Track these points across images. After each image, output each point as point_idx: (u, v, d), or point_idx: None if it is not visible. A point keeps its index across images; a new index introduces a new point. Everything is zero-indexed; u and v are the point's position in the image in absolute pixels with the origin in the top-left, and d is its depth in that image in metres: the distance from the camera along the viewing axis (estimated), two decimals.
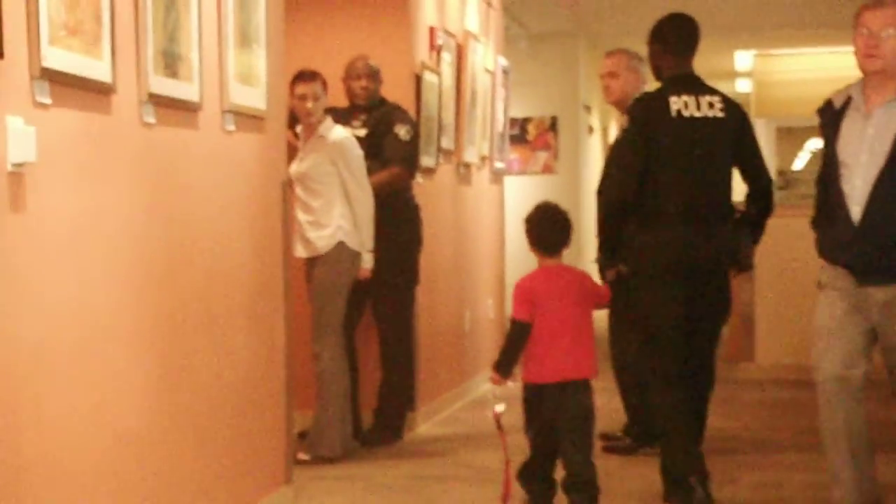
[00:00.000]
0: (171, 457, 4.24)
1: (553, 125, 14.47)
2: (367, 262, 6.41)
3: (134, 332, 3.98)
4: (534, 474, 5.12)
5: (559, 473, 5.08)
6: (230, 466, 4.74)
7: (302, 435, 6.41)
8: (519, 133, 14.31)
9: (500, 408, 5.07)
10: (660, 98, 5.35)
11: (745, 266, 5.57)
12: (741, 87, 18.45)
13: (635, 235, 5.35)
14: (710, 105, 5.33)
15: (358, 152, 6.38)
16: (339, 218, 6.30)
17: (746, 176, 5.54)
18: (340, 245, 6.28)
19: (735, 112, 5.40)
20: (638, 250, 5.35)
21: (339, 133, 6.34)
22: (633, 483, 5.83)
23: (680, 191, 5.26)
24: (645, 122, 5.30)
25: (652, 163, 5.25)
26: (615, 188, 5.57)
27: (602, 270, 5.81)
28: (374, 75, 6.82)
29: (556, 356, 4.90)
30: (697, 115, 5.29)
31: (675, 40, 5.48)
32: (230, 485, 4.74)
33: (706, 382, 5.61)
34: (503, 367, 5.02)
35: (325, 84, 6.34)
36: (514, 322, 4.96)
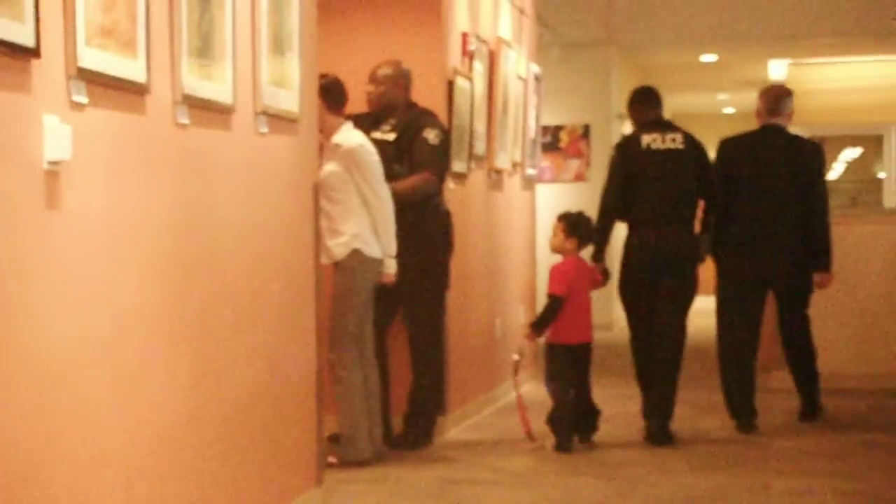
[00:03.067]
0: (202, 457, 4.27)
1: (585, 133, 14.46)
2: (390, 267, 6.42)
3: (166, 331, 4.00)
4: (560, 418, 6.76)
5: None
6: (260, 467, 4.77)
7: (332, 438, 6.43)
8: (551, 141, 14.32)
9: (515, 357, 7.21)
10: (636, 136, 7.28)
11: (700, 257, 7.28)
12: None
13: (628, 238, 7.24)
14: (673, 140, 7.20)
15: (373, 159, 6.32)
16: (356, 226, 6.27)
17: (701, 191, 7.25)
18: (355, 252, 6.25)
19: (692, 144, 7.23)
20: (625, 249, 7.25)
21: (354, 140, 6.28)
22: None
23: (650, 203, 7.12)
24: (625, 153, 7.27)
25: (631, 183, 7.16)
26: (604, 201, 7.32)
27: (594, 261, 7.26)
28: (385, 81, 6.80)
29: (580, 324, 6.83)
30: (662, 147, 7.17)
31: (642, 102, 7.44)
32: (260, 486, 4.77)
33: (677, 344, 7.17)
34: (538, 329, 6.89)
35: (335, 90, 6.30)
36: (552, 296, 6.79)
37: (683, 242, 7.12)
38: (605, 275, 7.20)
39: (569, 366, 6.77)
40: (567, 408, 6.76)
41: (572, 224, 6.89)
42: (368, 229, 6.31)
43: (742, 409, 7.44)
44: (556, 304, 6.75)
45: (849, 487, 5.84)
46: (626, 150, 7.27)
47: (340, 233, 6.24)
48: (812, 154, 7.56)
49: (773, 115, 7.55)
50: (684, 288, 7.14)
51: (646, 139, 7.19)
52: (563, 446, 6.73)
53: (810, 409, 7.76)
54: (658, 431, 7.01)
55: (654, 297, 7.10)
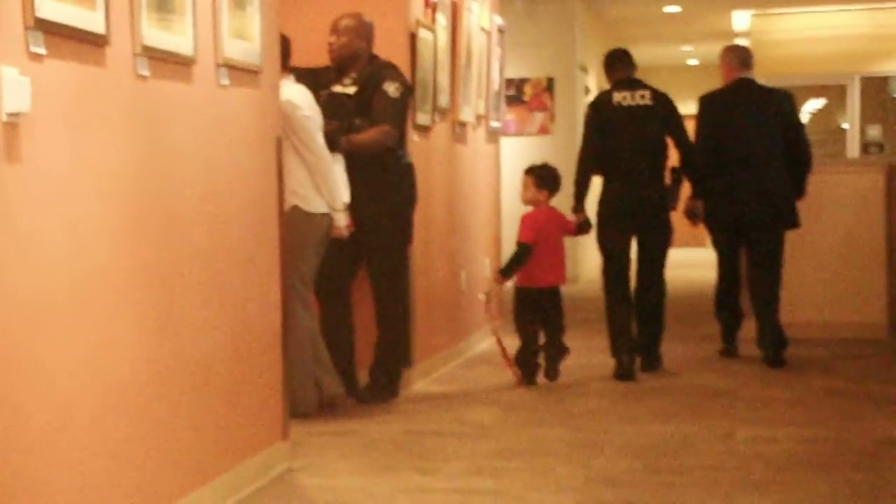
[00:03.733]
0: (168, 410, 4.26)
1: (549, 86, 14.44)
2: (340, 220, 6.39)
3: (129, 284, 3.98)
4: (525, 358, 7.37)
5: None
6: (226, 421, 4.76)
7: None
8: (515, 94, 14.29)
9: (481, 297, 7.86)
10: (608, 94, 7.81)
11: (672, 206, 7.75)
12: None
13: (604, 189, 7.77)
14: (642, 96, 7.70)
15: (302, 113, 6.20)
16: (293, 181, 6.21)
17: (676, 145, 7.78)
18: (294, 209, 6.19)
19: (661, 100, 7.73)
20: (600, 199, 7.74)
21: (285, 94, 6.09)
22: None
23: (623, 156, 7.64)
24: (598, 110, 7.76)
25: (605, 138, 7.67)
26: (583, 155, 7.80)
27: (574, 213, 7.71)
28: (347, 31, 6.72)
29: (549, 269, 7.32)
30: (632, 104, 7.68)
31: (615, 63, 7.93)
32: (226, 439, 4.76)
33: (657, 292, 7.83)
34: (506, 274, 7.36)
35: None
36: (520, 244, 7.25)
37: (654, 192, 7.68)
38: (587, 225, 7.69)
39: (536, 308, 7.32)
40: (532, 347, 7.35)
41: (541, 176, 7.38)
42: (308, 185, 6.27)
43: (731, 337, 8.47)
44: (523, 251, 7.25)
45: (811, 434, 5.89)
46: (599, 107, 7.79)
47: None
48: (788, 103, 8.11)
49: (745, 68, 8.14)
50: (658, 234, 7.75)
51: (617, 97, 7.74)
52: (528, 381, 7.34)
53: (776, 357, 7.99)
54: (651, 361, 7.86)
55: (629, 243, 7.73)
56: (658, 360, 7.94)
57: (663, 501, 4.72)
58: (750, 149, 7.94)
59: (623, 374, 7.52)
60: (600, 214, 7.74)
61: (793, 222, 8.13)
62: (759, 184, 7.95)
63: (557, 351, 7.38)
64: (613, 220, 7.68)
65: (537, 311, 7.33)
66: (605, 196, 7.74)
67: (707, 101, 8.18)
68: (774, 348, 7.97)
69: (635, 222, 7.66)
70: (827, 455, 5.48)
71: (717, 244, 8.39)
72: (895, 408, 6.52)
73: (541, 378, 7.40)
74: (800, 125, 8.22)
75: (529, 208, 7.41)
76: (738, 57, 8.18)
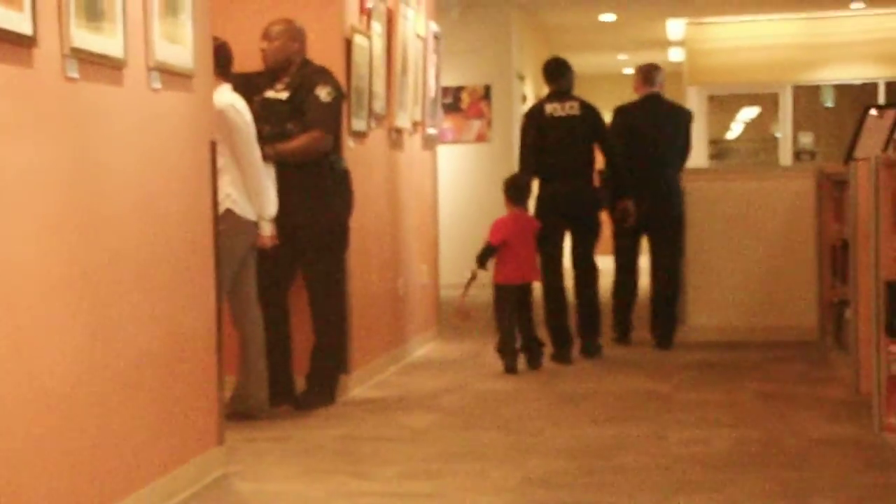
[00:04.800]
0: (99, 414, 4.24)
1: (487, 94, 14.49)
2: (266, 230, 6.40)
3: (60, 288, 3.96)
4: (504, 348, 8.05)
5: None
6: (160, 426, 4.74)
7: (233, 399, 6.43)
8: (453, 102, 14.33)
9: (469, 274, 8.13)
10: (540, 105, 8.73)
11: (601, 206, 8.68)
12: (673, 56, 18.56)
13: (539, 189, 8.61)
14: (571, 107, 8.57)
15: (242, 119, 6.22)
16: (228, 185, 6.21)
17: (601, 150, 8.65)
18: (227, 213, 6.18)
19: (588, 111, 8.61)
20: (537, 199, 8.59)
21: (223, 100, 6.12)
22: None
23: (556, 161, 8.48)
24: (532, 121, 8.61)
25: (540, 145, 8.49)
26: (522, 160, 8.63)
27: None
28: (279, 36, 6.71)
29: (522, 267, 8.10)
30: (562, 114, 8.54)
31: (549, 75, 8.86)
32: (161, 444, 4.74)
33: (592, 275, 8.66)
34: (478, 263, 8.10)
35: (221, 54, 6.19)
36: (488, 243, 8.07)
37: (584, 192, 8.56)
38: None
39: (510, 302, 8.06)
40: (510, 337, 8.06)
41: (510, 192, 8.22)
42: (242, 190, 6.28)
43: (625, 327, 9.34)
44: (487, 250, 8.09)
45: (743, 435, 5.95)
46: (533, 117, 8.66)
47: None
48: (687, 118, 9.40)
49: (649, 85, 9.21)
50: (590, 228, 8.61)
51: (548, 108, 8.61)
52: (508, 368, 8.02)
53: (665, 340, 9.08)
54: (590, 347, 8.58)
55: (563, 236, 8.60)
56: (598, 347, 8.64)
57: (597, 501, 4.76)
58: (653, 153, 8.95)
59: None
60: (537, 211, 8.54)
61: (681, 218, 9.23)
62: (657, 185, 8.98)
63: (535, 344, 8.15)
64: (549, 216, 8.44)
65: (514, 307, 8.05)
66: (541, 195, 8.61)
67: (618, 112, 9.28)
68: (668, 331, 9.04)
69: (568, 218, 8.53)
70: (758, 455, 5.54)
71: (622, 241, 9.21)
72: (825, 408, 6.60)
73: (521, 365, 8.11)
74: (689, 137, 9.34)
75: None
76: (643, 74, 9.26)
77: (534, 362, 8.14)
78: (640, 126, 9.04)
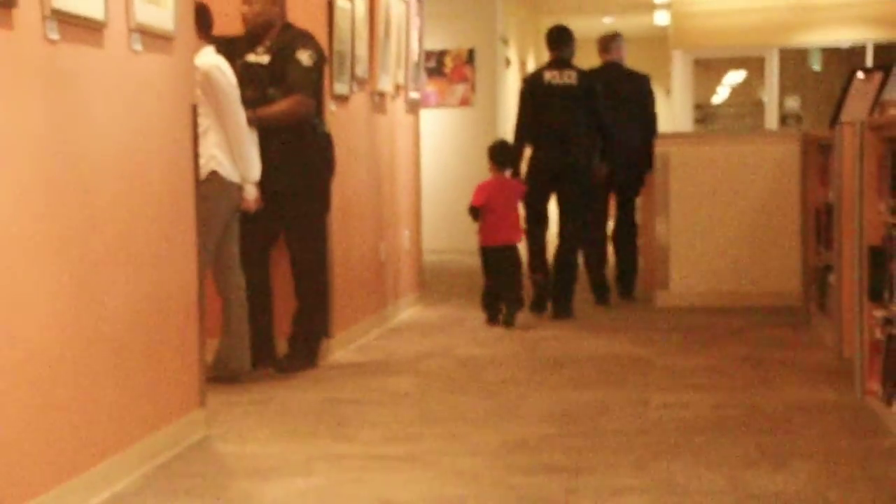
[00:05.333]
0: (81, 378, 4.23)
1: (470, 58, 14.46)
2: (250, 192, 6.40)
3: (40, 251, 3.95)
4: (488, 301, 8.57)
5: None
6: (142, 388, 4.74)
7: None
8: (436, 66, 14.29)
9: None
10: (539, 73, 9.06)
11: (596, 173, 9.09)
12: (659, 20, 18.50)
13: (532, 154, 8.99)
14: (568, 76, 8.89)
15: (226, 80, 6.22)
16: (213, 147, 6.20)
17: (593, 119, 8.95)
18: (213, 174, 6.19)
19: (584, 80, 8.94)
20: (530, 162, 8.98)
21: (207, 61, 6.14)
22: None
23: (550, 127, 8.81)
24: (531, 87, 8.98)
25: (536, 111, 8.84)
26: (518, 126, 9.00)
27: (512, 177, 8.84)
28: (259, 0, 6.70)
29: (503, 229, 8.47)
30: (560, 82, 8.88)
31: (551, 42, 9.11)
32: (142, 407, 4.74)
33: (576, 239, 9.00)
34: (472, 217, 8.53)
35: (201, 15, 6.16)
36: (472, 206, 8.44)
37: (577, 159, 8.84)
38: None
39: (493, 262, 8.49)
40: (492, 293, 8.54)
41: (497, 158, 8.55)
42: (227, 152, 6.26)
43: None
44: (472, 212, 8.48)
45: (724, 400, 5.96)
46: (532, 84, 9.03)
47: (201, 154, 6.13)
48: (644, 85, 9.87)
49: (607, 53, 9.87)
50: (577, 194, 8.90)
51: (547, 76, 8.95)
52: (490, 320, 8.53)
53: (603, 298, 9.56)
54: (561, 309, 8.82)
55: (548, 200, 8.93)
56: (568, 309, 8.86)
57: (576, 465, 4.77)
58: (613, 118, 9.21)
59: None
60: (528, 175, 8.92)
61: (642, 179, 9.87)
62: (626, 147, 9.48)
63: (513, 303, 8.45)
64: (538, 181, 8.83)
65: (496, 266, 8.47)
66: (532, 160, 8.97)
67: None
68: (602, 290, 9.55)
69: (557, 183, 8.84)
70: (739, 419, 5.56)
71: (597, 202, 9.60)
72: (807, 373, 6.62)
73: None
74: (654, 102, 9.88)
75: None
76: (601, 44, 9.92)
77: (509, 318, 8.43)
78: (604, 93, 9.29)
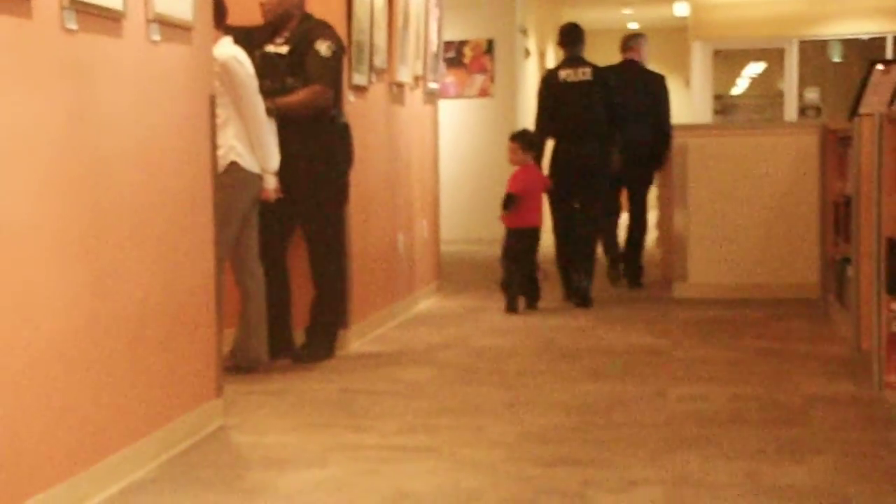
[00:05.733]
0: (100, 367, 4.25)
1: (489, 48, 14.44)
2: (269, 182, 6.40)
3: (59, 241, 3.96)
4: (507, 286, 8.86)
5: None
6: (159, 378, 4.75)
7: (233, 353, 6.45)
8: (455, 56, 14.28)
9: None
10: (555, 71, 9.45)
11: (613, 167, 9.41)
12: (679, 11, 18.44)
13: (553, 149, 9.35)
14: (584, 73, 9.23)
15: (245, 71, 6.22)
16: (233, 138, 6.21)
17: (608, 113, 9.22)
18: (232, 165, 6.21)
19: (599, 76, 9.25)
20: (552, 158, 9.32)
21: (225, 52, 6.15)
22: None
23: (567, 123, 9.19)
24: (548, 84, 9.35)
25: (555, 108, 9.20)
26: (538, 122, 9.36)
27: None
28: None
29: (533, 212, 8.91)
30: (575, 79, 9.23)
31: (563, 41, 9.49)
32: (159, 396, 4.75)
33: (594, 230, 9.42)
34: (506, 209, 8.86)
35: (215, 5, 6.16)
36: (508, 193, 8.83)
37: (595, 153, 9.16)
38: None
39: (519, 244, 8.83)
40: (513, 278, 8.83)
41: (528, 141, 8.96)
42: (247, 143, 6.27)
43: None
44: (510, 199, 8.82)
45: (742, 392, 5.95)
46: (549, 82, 9.38)
47: (219, 145, 6.14)
48: (658, 83, 10.22)
49: (627, 51, 10.32)
50: (596, 187, 9.26)
51: (562, 73, 9.31)
52: (510, 307, 8.79)
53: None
54: (583, 298, 9.07)
55: (571, 193, 9.21)
56: (588, 299, 9.09)
57: (593, 457, 4.77)
58: (622, 114, 9.44)
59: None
60: (551, 169, 9.24)
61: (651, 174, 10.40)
62: (637, 142, 9.88)
63: (534, 286, 8.92)
64: (561, 176, 9.14)
65: (524, 248, 8.84)
66: (555, 154, 9.29)
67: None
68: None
69: (578, 176, 9.14)
70: (756, 412, 5.55)
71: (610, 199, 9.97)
72: (825, 366, 6.60)
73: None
74: (667, 101, 10.22)
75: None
76: (623, 41, 10.39)
77: (532, 303, 8.90)
78: (620, 89, 9.56)
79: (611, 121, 9.27)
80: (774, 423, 5.31)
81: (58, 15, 3.93)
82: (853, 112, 7.50)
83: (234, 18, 6.55)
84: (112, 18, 4.32)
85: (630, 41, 10.39)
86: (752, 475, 4.46)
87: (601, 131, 9.22)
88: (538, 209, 9.00)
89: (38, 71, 3.84)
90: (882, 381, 5.79)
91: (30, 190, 3.79)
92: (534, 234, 8.93)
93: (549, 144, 9.34)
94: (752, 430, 5.16)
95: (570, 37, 9.44)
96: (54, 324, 3.94)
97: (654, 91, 10.17)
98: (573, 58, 9.37)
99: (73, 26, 4.02)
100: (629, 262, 10.22)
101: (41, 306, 3.85)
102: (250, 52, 6.46)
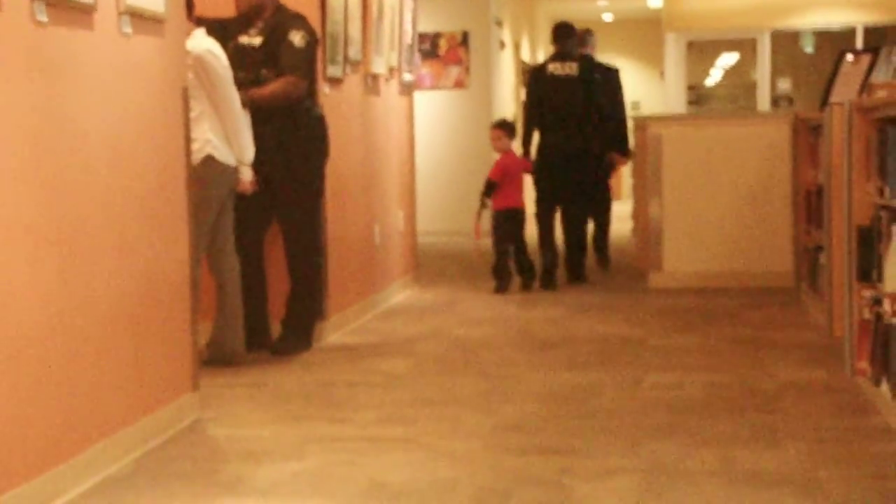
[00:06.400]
0: (74, 361, 4.24)
1: (464, 40, 14.44)
2: (246, 174, 6.40)
3: (32, 235, 3.95)
4: (498, 269, 9.34)
5: None
6: (134, 372, 4.75)
7: (208, 346, 6.45)
8: (430, 48, 14.28)
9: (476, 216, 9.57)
10: (543, 65, 9.96)
11: (600, 155, 9.99)
12: (652, 3, 18.49)
13: (539, 139, 9.82)
14: (570, 67, 9.73)
15: (220, 63, 6.22)
16: (208, 131, 6.21)
17: (591, 107, 9.72)
18: (208, 158, 6.21)
19: (585, 70, 9.74)
20: (538, 147, 9.80)
21: (199, 45, 6.15)
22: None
23: (554, 114, 9.67)
24: (536, 78, 9.88)
25: (543, 101, 9.69)
26: (525, 115, 9.94)
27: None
28: None
29: (514, 194, 9.39)
30: (562, 73, 9.71)
31: (555, 37, 9.92)
32: (135, 390, 4.75)
33: (583, 215, 9.95)
34: (486, 196, 9.39)
35: None
36: (490, 180, 9.39)
37: (580, 144, 9.61)
38: (533, 167, 9.79)
39: (506, 225, 9.32)
40: (504, 260, 9.34)
41: (510, 128, 9.53)
42: (222, 136, 6.27)
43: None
44: (492, 185, 9.36)
45: (716, 380, 5.98)
46: (537, 76, 9.91)
47: (195, 139, 6.13)
48: (615, 75, 10.66)
49: (583, 46, 10.54)
50: (580, 176, 9.67)
51: (550, 67, 9.81)
52: (500, 288, 9.30)
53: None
54: (577, 276, 9.78)
55: (557, 182, 9.64)
56: (583, 276, 9.81)
57: (569, 446, 4.78)
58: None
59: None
60: (538, 159, 9.76)
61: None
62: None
63: (528, 266, 9.38)
64: (547, 163, 9.65)
65: (506, 228, 9.29)
66: (541, 145, 9.77)
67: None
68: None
69: (563, 165, 9.59)
70: (730, 399, 5.58)
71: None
72: (798, 353, 6.64)
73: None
74: (620, 91, 10.73)
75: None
76: (579, 38, 10.40)
77: (527, 284, 9.38)
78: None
79: (594, 112, 9.72)
80: (749, 410, 5.34)
81: (28, 7, 3.92)
82: (824, 102, 7.54)
83: (206, 10, 6.55)
84: (83, 11, 4.31)
85: (587, 37, 10.86)
86: (726, 461, 4.49)
87: (583, 123, 9.65)
88: (519, 191, 9.47)
89: (8, 64, 3.83)
90: (854, 367, 5.83)
91: (1, 183, 3.78)
92: (518, 215, 9.37)
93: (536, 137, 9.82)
94: (727, 417, 5.19)
95: (560, 33, 9.93)
96: (25, 318, 3.93)
97: (609, 82, 10.53)
98: (563, 53, 9.84)
99: (44, 18, 4.01)
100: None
101: (13, 300, 3.85)
102: (224, 44, 6.45)
